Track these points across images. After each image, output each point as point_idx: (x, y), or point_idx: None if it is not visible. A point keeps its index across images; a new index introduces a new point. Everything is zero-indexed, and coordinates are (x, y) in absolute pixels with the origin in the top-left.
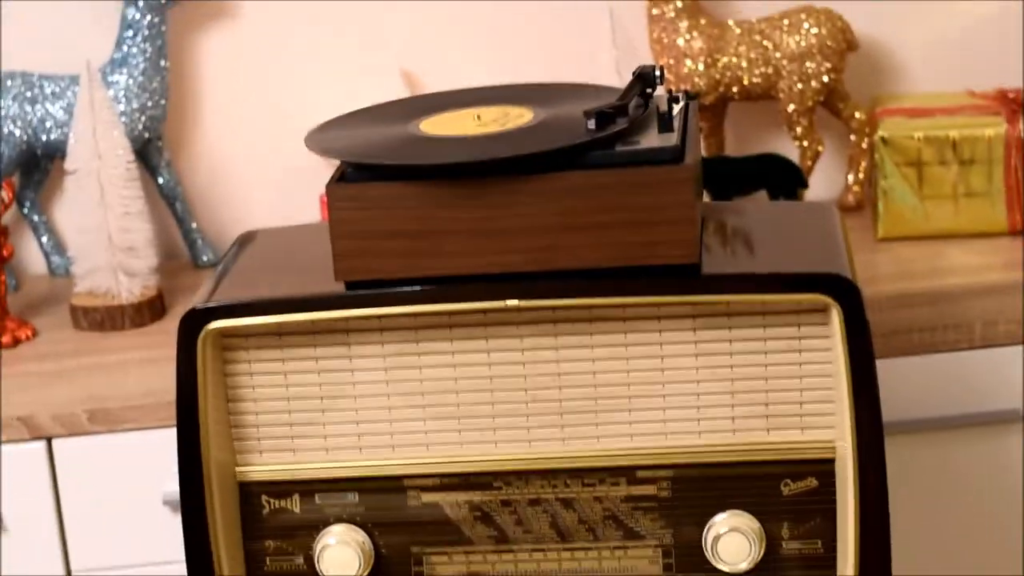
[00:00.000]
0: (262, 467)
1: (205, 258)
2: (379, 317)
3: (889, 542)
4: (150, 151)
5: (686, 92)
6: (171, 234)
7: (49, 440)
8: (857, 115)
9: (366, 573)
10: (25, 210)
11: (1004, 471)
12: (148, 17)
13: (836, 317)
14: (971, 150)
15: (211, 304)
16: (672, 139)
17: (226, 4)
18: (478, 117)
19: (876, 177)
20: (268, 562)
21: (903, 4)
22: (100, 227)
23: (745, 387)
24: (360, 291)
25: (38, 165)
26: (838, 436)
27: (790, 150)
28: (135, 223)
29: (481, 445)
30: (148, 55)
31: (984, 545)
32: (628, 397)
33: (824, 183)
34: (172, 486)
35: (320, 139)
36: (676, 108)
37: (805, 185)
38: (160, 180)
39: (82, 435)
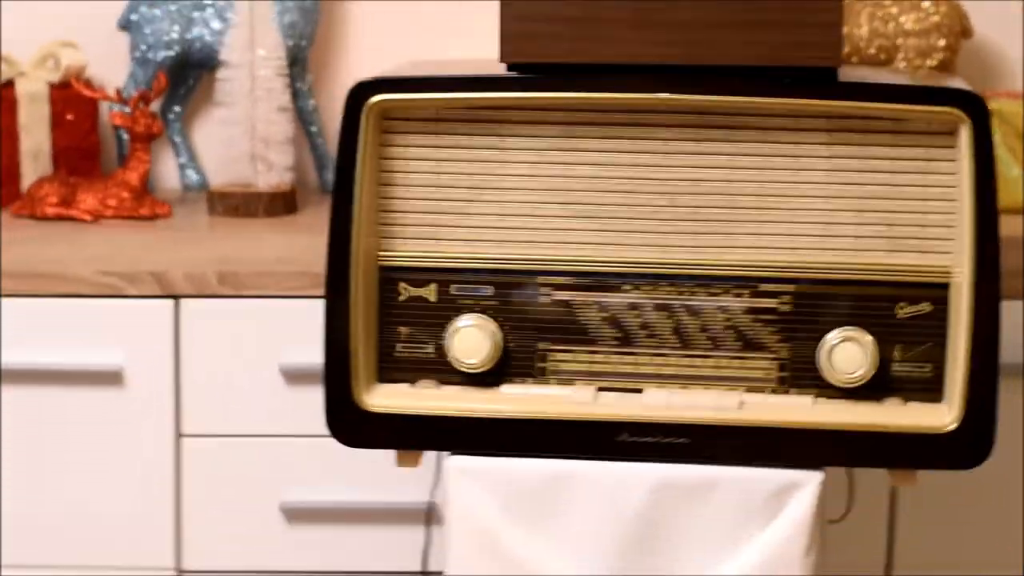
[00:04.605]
0: (404, 253)
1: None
2: (531, 108)
3: (997, 375)
4: (294, 73)
5: None
6: (303, 158)
7: (177, 299)
8: None
9: (491, 364)
10: (169, 119)
11: None
12: None
13: (965, 135)
14: None
15: (375, 78)
16: None
17: None
18: None
19: None
20: (398, 348)
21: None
22: (246, 117)
23: (871, 206)
24: (516, 73)
25: (186, 79)
26: (955, 263)
27: None
28: (280, 118)
29: (616, 248)
30: None
31: None
32: (761, 208)
33: None
34: (290, 356)
35: None
36: None
37: None
38: (299, 103)
39: (210, 297)
